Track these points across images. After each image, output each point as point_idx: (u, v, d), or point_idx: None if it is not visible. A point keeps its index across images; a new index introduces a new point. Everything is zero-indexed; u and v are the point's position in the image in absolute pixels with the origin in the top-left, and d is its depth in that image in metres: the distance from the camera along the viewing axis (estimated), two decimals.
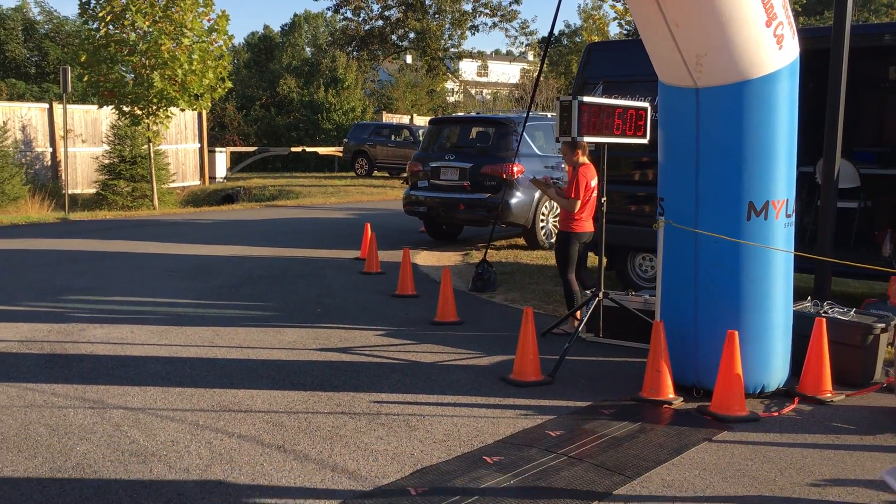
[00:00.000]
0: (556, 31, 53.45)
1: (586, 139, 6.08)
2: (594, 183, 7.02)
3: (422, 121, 31.76)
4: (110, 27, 17.73)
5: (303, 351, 6.59)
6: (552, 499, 3.93)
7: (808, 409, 5.36)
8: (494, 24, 43.79)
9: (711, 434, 4.85)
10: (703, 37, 5.02)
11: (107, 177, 20.53)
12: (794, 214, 5.60)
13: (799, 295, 6.28)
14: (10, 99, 25.39)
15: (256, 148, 31.62)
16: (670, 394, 5.40)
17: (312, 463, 4.34)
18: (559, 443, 4.65)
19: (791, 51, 5.28)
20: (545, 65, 45.54)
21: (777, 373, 5.56)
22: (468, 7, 42.77)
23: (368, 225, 11.28)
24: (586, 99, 5.96)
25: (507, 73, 57.14)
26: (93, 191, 21.35)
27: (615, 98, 8.28)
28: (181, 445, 4.55)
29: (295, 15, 61.32)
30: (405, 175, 14.73)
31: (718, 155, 5.33)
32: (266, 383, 5.70)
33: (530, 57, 58.31)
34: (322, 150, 31.50)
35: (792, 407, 5.37)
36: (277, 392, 5.51)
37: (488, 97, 52.45)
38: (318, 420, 4.99)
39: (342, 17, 43.58)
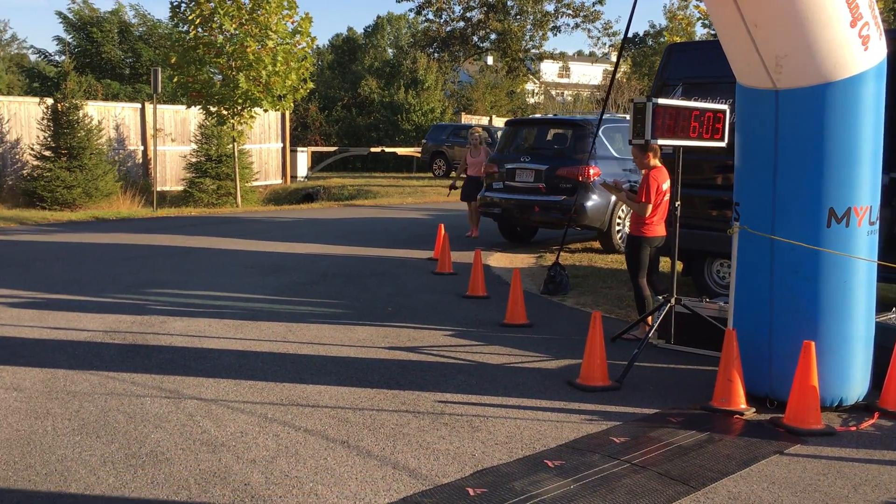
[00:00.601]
0: (640, 32, 52.66)
1: (660, 142, 5.96)
2: (666, 186, 6.90)
3: (501, 122, 31.74)
4: (199, 30, 18.32)
5: (372, 349, 6.68)
6: None
7: (889, 424, 5.13)
8: (577, 25, 43.45)
9: (783, 447, 4.70)
10: (784, 37, 4.87)
11: (194, 174, 21.17)
12: (878, 222, 5.38)
13: (884, 306, 6.03)
14: (105, 99, 26.45)
15: (337, 148, 32.17)
16: (742, 404, 5.26)
17: (374, 459, 4.39)
18: (623, 449, 4.59)
19: (878, 52, 5.08)
20: (628, 66, 44.85)
21: (856, 386, 5.35)
22: (550, 8, 42.56)
23: (442, 226, 11.33)
24: (661, 101, 5.85)
25: (588, 75, 56.56)
26: (180, 188, 22.06)
27: (695, 100, 8.11)
28: (249, 437, 4.67)
29: (378, 17, 62.19)
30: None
31: (798, 159, 5.16)
32: (334, 379, 5.80)
33: (613, 58, 57.49)
34: (401, 151, 31.82)
35: (871, 422, 5.15)
36: (344, 388, 5.60)
37: (569, 98, 52.05)
38: (383, 417, 5.05)
39: (424, 18, 43.96)
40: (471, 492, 4.00)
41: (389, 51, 54.57)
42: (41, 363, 6.06)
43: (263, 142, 25.59)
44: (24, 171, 19.81)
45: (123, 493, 3.93)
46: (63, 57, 29.98)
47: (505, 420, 5.06)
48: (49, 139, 19.09)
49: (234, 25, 18.13)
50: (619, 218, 12.11)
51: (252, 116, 19.46)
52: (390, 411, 5.17)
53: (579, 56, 62.73)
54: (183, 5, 18.59)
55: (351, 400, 5.37)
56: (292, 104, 20.01)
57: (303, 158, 27.51)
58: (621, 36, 43.89)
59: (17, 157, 20.24)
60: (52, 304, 8.09)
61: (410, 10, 45.11)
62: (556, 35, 43.38)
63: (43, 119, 19.34)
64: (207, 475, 4.15)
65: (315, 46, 22.98)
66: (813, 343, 4.91)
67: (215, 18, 18.05)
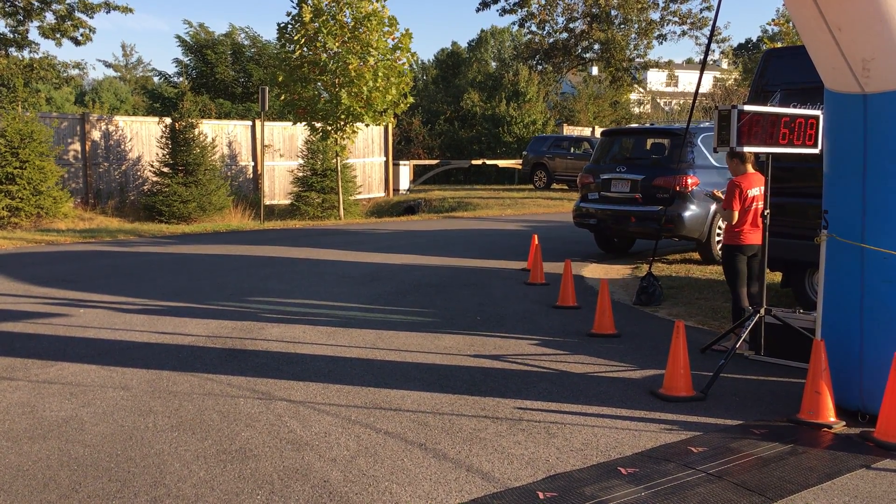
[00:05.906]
0: (753, 38, 51.09)
1: (746, 149, 5.87)
2: (753, 193, 6.75)
3: None
4: (304, 49, 19.02)
5: (457, 356, 6.81)
6: None
7: None
8: (684, 33, 42.51)
9: (871, 461, 4.55)
10: (869, 40, 4.74)
11: (300, 188, 21.93)
12: None
13: None
14: (219, 117, 27.73)
15: (438, 161, 32.61)
16: (831, 417, 5.11)
17: (449, 462, 4.51)
18: (700, 459, 4.54)
19: None
20: (739, 72, 43.38)
21: None
22: (656, 16, 41.84)
23: (535, 236, 11.38)
24: (746, 107, 5.77)
25: (695, 83, 55.27)
26: (288, 202, 22.89)
27: (795, 107, 7.91)
28: (332, 437, 4.88)
29: (482, 30, 62.65)
30: None
31: (888, 165, 5.00)
32: (417, 385, 5.96)
33: (724, 65, 56.03)
34: (502, 163, 31.99)
35: None
36: (427, 393, 5.75)
37: (676, 108, 50.96)
38: (462, 422, 5.16)
39: (527, 30, 44.03)
40: (540, 495, 4.06)
41: (493, 64, 54.88)
42: (148, 365, 6.48)
43: (367, 156, 26.25)
44: (145, 187, 21.04)
45: (212, 485, 4.19)
46: (181, 78, 31.65)
47: (583, 427, 5.09)
48: (167, 156, 20.19)
49: (336, 44, 18.74)
50: (720, 228, 11.84)
51: (354, 131, 20.02)
52: (469, 416, 5.28)
53: (688, 64, 61.35)
54: (289, 26, 19.35)
55: (432, 405, 5.51)
56: (393, 119, 20.47)
57: (405, 172, 28.04)
58: (731, 43, 42.80)
59: (139, 173, 21.53)
60: (161, 310, 8.60)
61: (513, 24, 45.28)
62: (661, 43, 42.51)
63: (162, 137, 20.48)
64: (290, 472, 4.36)
65: (417, 61, 23.47)
66: None
67: (319, 38, 18.71)
